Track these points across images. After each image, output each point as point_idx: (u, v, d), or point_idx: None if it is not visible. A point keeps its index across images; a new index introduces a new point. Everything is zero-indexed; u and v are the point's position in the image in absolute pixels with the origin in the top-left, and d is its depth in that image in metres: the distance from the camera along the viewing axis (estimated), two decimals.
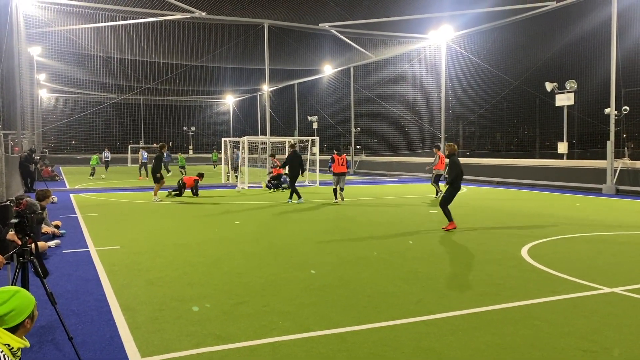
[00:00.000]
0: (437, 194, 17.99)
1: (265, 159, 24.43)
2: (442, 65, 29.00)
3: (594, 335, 4.87)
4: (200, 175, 20.31)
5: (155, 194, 17.69)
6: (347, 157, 18.17)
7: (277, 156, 24.46)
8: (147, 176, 29.87)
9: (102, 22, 24.74)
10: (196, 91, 50.18)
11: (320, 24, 25.52)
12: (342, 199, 16.99)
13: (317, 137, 27.01)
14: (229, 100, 58.84)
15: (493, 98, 27.83)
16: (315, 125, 37.79)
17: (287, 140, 25.61)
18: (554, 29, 25.35)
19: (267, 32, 25.94)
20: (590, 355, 4.42)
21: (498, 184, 24.36)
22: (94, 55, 31.84)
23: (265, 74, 27.07)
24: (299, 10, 23.80)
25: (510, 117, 34.35)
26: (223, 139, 26.48)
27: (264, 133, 29.52)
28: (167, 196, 18.96)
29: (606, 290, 6.37)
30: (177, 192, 19.29)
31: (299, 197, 16.94)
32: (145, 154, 31.94)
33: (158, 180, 17.42)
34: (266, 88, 28.77)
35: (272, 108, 32.99)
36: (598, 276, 7.02)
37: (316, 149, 26.13)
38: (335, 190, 16.94)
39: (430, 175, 19.31)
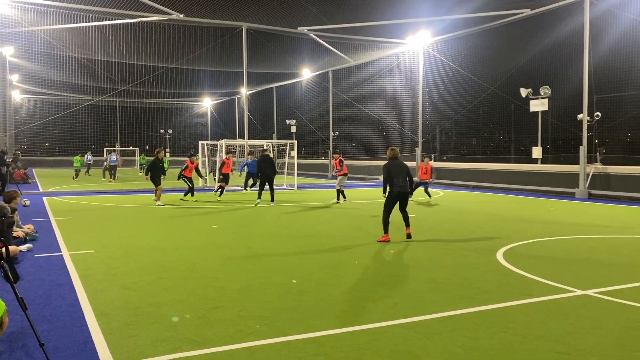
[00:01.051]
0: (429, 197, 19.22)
1: (242, 162, 24.17)
2: (420, 70, 29.28)
3: (568, 337, 4.95)
4: (192, 158, 19.31)
5: (158, 198, 17.01)
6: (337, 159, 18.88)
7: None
8: (112, 178, 30.28)
9: (77, 23, 24.35)
10: (173, 94, 49.67)
11: (298, 28, 25.53)
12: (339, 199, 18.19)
13: (296, 141, 26.96)
14: (206, 103, 58.43)
15: (469, 103, 28.21)
16: (293, 129, 37.77)
17: (265, 144, 25.48)
18: (529, 35, 25.82)
19: (245, 35, 25.85)
20: (563, 357, 4.48)
21: (474, 187, 24.65)
22: (68, 56, 31.31)
23: (244, 77, 26.96)
24: (278, 13, 23.77)
25: (486, 122, 34.81)
26: (200, 142, 26.28)
27: (242, 136, 29.37)
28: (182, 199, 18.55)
29: (579, 292, 6.48)
30: (190, 191, 18.70)
31: (259, 197, 17.13)
32: (114, 157, 31.77)
33: (157, 183, 16.83)
34: (244, 91, 28.63)
35: (250, 111, 32.88)
36: (571, 279, 7.14)
37: (294, 153, 26.10)
38: (339, 192, 18.15)
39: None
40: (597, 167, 20.19)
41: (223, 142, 24.32)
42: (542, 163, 23.05)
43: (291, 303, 6.04)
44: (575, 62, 21.05)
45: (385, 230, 10.19)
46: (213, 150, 26.17)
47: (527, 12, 22.53)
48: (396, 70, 31.05)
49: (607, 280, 7.06)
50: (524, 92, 23.03)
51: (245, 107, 28.79)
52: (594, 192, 19.96)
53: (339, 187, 18.06)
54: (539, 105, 22.57)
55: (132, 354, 4.50)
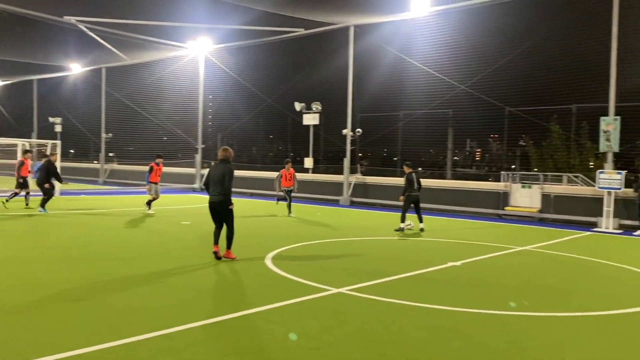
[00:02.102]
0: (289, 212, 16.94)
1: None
2: (200, 76, 29.08)
3: (321, 333, 5.30)
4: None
5: None
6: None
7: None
8: None
9: None
10: None
11: (65, 17, 22.96)
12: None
13: (59, 142, 24.19)
14: None
15: (250, 113, 28.99)
16: (58, 128, 33.97)
17: (20, 143, 22.25)
18: (304, 53, 27.64)
19: None
20: (315, 352, 4.78)
21: (252, 195, 25.35)
22: None
23: None
24: None
25: (266, 132, 36.16)
26: None
27: None
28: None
29: (335, 290, 7.04)
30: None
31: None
32: None
33: None
34: None
35: (2, 105, 28.51)
36: (330, 278, 7.73)
37: (57, 155, 23.34)
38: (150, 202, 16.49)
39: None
40: (358, 177, 22.61)
41: None
42: (314, 173, 24.85)
43: (40, 322, 5.32)
44: (344, 81, 23.23)
45: (214, 242, 9.03)
46: None
47: (302, 31, 24.10)
48: (177, 73, 30.29)
49: (359, 278, 7.81)
50: (298, 106, 24.55)
51: None
52: (355, 199, 22.27)
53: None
54: (310, 119, 24.30)
55: None
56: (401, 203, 13.96)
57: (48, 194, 15.55)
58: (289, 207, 16.92)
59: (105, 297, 6.40)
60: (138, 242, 10.83)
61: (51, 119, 34.69)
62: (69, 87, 36.99)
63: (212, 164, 8.87)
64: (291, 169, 17.24)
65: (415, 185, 13.87)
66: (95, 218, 14.78)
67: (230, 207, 8.89)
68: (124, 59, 29.87)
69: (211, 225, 9.25)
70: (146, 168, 17.57)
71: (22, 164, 16.88)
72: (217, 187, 8.80)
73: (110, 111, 33.74)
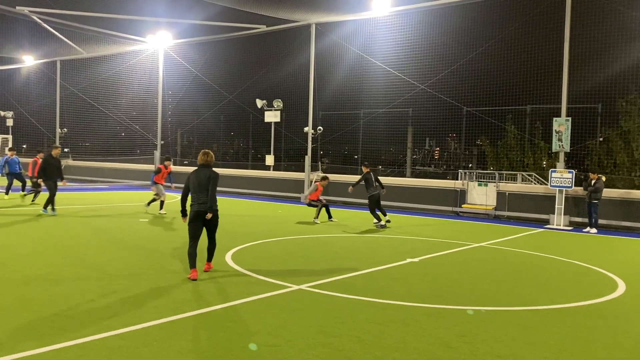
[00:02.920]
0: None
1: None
2: (160, 71, 28.56)
3: (279, 330, 5.34)
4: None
5: None
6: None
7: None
8: None
9: None
10: None
11: (17, 7, 22.12)
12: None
13: (11, 136, 23.36)
14: None
15: (210, 109, 28.69)
16: (10, 122, 32.74)
17: None
18: (266, 50, 27.54)
19: None
20: (273, 349, 4.81)
21: None
22: None
23: None
24: None
25: (227, 129, 35.87)
26: None
27: None
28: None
29: (295, 287, 7.09)
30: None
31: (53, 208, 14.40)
32: None
33: None
34: None
35: None
36: (290, 275, 7.78)
37: (8, 150, 22.51)
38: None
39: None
40: (319, 175, 22.64)
41: None
42: (275, 170, 24.79)
43: None
44: (306, 79, 23.25)
45: (191, 265, 7.53)
46: None
47: (264, 28, 23.98)
48: (136, 68, 29.64)
49: (319, 275, 7.89)
50: (259, 103, 24.44)
51: None
52: None
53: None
54: (272, 117, 24.24)
55: None
56: (364, 201, 14.79)
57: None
58: (318, 212, 15.04)
59: (57, 297, 6.25)
60: (92, 241, 10.59)
61: (2, 113, 33.40)
62: (21, 80, 35.67)
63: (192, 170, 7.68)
64: (320, 183, 15.59)
65: (375, 184, 14.29)
66: (54, 218, 14.36)
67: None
68: (80, 52, 29.03)
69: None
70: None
71: (35, 163, 17.34)
72: (205, 195, 7.54)
73: (65, 105, 32.73)
